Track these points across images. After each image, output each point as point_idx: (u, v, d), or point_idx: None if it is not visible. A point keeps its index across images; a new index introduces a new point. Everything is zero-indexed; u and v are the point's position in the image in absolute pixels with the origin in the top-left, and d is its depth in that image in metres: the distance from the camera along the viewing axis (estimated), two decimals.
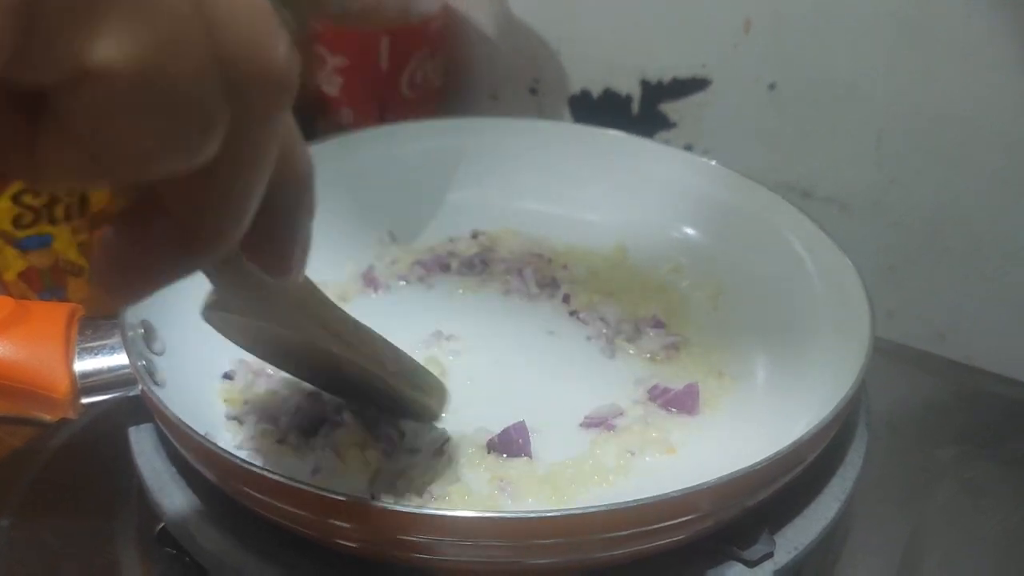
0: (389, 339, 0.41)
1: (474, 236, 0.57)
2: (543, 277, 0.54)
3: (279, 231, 0.24)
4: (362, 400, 0.43)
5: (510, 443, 0.42)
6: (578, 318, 0.51)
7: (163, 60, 0.17)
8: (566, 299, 0.52)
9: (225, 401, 0.45)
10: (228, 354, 0.47)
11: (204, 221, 0.21)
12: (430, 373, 0.44)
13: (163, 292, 0.43)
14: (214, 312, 0.34)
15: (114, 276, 0.21)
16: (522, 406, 0.45)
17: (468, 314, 0.51)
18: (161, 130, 0.18)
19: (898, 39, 0.58)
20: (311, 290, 0.36)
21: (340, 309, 0.38)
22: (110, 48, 0.17)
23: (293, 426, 0.43)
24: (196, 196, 0.20)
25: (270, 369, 0.45)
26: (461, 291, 0.53)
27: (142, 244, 0.21)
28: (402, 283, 0.54)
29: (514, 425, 0.42)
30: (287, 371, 0.43)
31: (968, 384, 0.55)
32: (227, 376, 0.46)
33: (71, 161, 0.18)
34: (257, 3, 0.20)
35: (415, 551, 0.34)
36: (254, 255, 0.25)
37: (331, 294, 0.38)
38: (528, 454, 0.42)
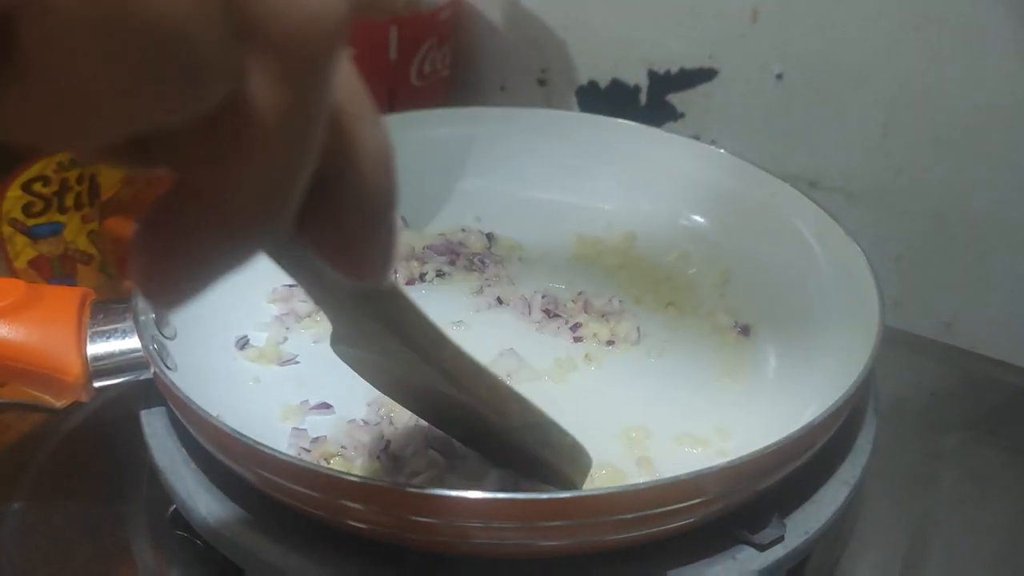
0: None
1: (487, 235, 0.56)
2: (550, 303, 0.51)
3: (346, 224, 0.19)
4: (496, 457, 0.39)
5: None
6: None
7: None
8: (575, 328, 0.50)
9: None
10: (236, 340, 0.47)
11: (235, 199, 0.17)
12: (568, 434, 0.37)
13: None
14: (337, 345, 0.33)
15: (154, 277, 0.17)
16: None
17: (479, 306, 0.52)
18: (134, 73, 0.14)
19: (905, 29, 0.58)
20: (416, 319, 0.31)
21: (457, 347, 0.33)
22: None
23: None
24: (218, 166, 0.16)
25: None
26: (470, 286, 0.53)
27: (175, 235, 0.17)
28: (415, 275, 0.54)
29: None
30: (415, 412, 0.39)
31: (974, 372, 0.55)
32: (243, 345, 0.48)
33: (36, 111, 0.14)
34: None
35: (424, 533, 0.35)
36: (321, 250, 0.21)
37: None
38: None
